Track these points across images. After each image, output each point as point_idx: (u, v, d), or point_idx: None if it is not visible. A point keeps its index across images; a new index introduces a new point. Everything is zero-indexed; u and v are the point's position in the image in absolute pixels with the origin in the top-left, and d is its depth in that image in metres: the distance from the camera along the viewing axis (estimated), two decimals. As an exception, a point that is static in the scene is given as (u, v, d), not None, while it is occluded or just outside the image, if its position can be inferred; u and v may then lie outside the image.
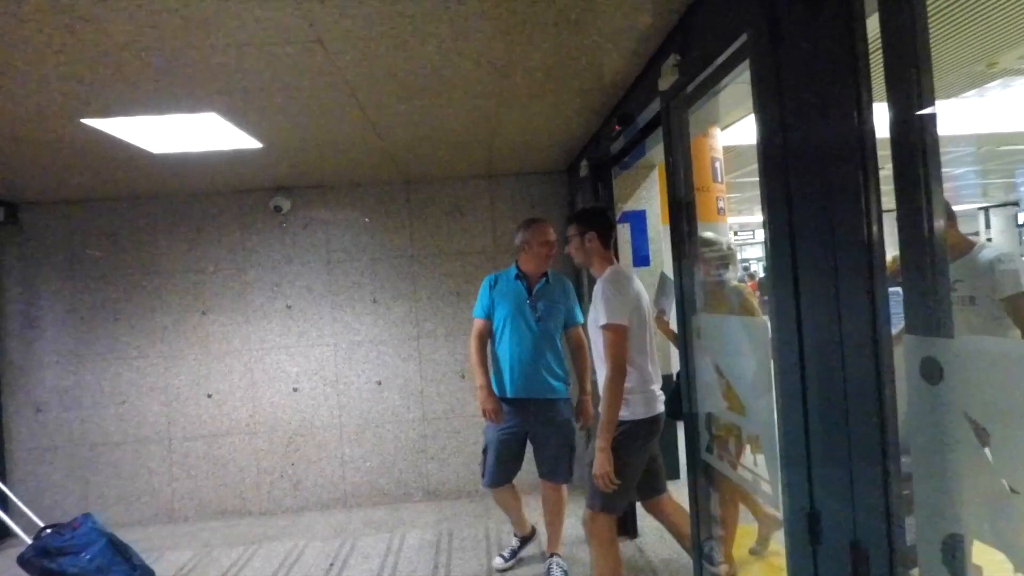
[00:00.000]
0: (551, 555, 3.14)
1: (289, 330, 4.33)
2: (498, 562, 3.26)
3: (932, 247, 1.12)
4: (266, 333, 4.32)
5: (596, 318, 2.44)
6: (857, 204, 1.22)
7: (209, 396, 4.28)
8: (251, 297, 4.32)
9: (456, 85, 2.49)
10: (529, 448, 3.17)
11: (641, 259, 4.39)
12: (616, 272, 2.51)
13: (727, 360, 1.90)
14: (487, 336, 3.19)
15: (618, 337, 2.35)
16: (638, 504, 3.59)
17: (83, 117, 2.57)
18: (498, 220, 4.43)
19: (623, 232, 4.36)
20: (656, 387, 2.51)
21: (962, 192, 13.31)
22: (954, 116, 4.70)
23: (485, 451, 3.14)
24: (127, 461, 4.24)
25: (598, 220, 2.60)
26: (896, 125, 1.11)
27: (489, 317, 3.17)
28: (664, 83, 2.16)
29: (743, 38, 1.66)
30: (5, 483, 4.08)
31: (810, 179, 1.36)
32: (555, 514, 3.15)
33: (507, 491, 3.21)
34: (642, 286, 2.56)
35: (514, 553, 3.30)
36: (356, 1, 1.72)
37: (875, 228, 1.21)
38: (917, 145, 1.10)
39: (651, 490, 2.65)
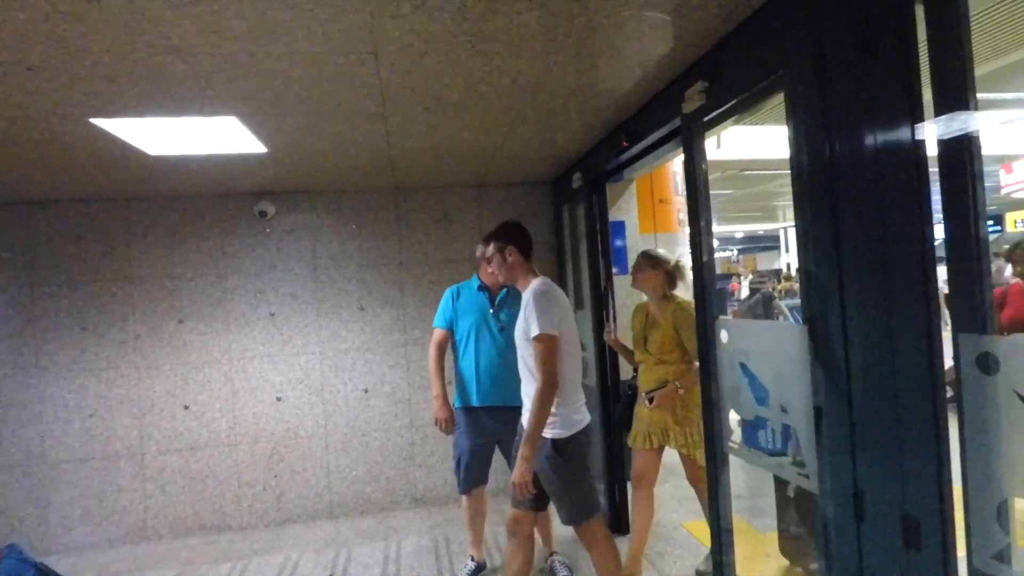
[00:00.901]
0: (551, 554, 3.24)
1: (273, 338, 4.22)
2: None
3: (978, 253, 1.31)
4: (248, 341, 4.20)
5: (525, 330, 2.38)
6: (912, 214, 1.40)
7: (186, 408, 4.11)
8: (232, 304, 4.19)
9: (485, 100, 2.58)
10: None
11: (621, 267, 4.59)
12: (546, 283, 2.47)
13: (757, 361, 2.09)
14: (446, 346, 3.25)
15: (551, 348, 2.30)
16: (629, 499, 3.76)
17: (94, 116, 2.47)
18: (486, 229, 4.43)
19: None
20: (583, 400, 2.52)
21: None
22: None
23: (458, 462, 3.18)
24: (94, 478, 3.99)
25: (515, 233, 2.55)
26: (944, 144, 1.31)
27: (450, 328, 3.24)
28: (688, 107, 2.34)
29: (779, 73, 1.86)
30: (-47, 507, 3.76)
31: (861, 195, 1.55)
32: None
33: (480, 501, 3.26)
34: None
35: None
36: (428, 18, 1.80)
37: (928, 234, 1.39)
38: (964, 161, 1.29)
39: (537, 503, 2.52)
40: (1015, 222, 14.09)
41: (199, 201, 4.16)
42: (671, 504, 4.15)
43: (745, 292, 12.15)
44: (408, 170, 3.86)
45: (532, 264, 2.57)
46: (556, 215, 4.56)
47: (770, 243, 19.34)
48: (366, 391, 4.32)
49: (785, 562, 3.07)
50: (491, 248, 2.58)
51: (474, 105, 2.64)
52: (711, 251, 2.48)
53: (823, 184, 1.68)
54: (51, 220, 3.99)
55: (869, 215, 1.53)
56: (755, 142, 6.91)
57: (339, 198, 4.33)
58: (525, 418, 2.44)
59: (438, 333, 3.25)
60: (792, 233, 17.03)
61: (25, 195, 3.83)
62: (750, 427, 2.19)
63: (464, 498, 3.26)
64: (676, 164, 4.63)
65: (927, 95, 1.37)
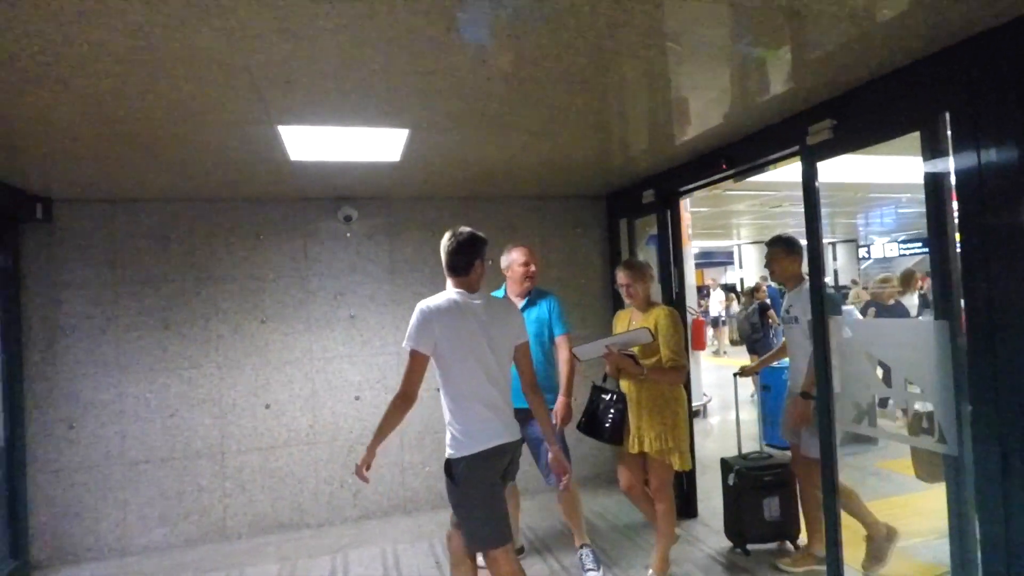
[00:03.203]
0: (580, 546, 3.39)
1: (352, 339, 4.36)
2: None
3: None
4: (328, 342, 4.31)
5: None
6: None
7: (267, 407, 4.17)
8: (314, 306, 4.30)
9: (634, 125, 2.93)
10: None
11: (662, 278, 5.01)
12: (434, 297, 2.47)
13: (886, 351, 2.53)
14: None
15: (410, 361, 2.36)
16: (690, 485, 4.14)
17: (282, 124, 2.63)
18: (547, 238, 4.84)
19: (649, 254, 4.96)
20: (486, 421, 2.40)
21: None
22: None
23: None
24: (173, 478, 3.98)
25: (444, 250, 2.62)
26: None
27: None
28: (813, 139, 2.78)
29: (921, 115, 2.31)
30: (27, 510, 3.69)
31: (1011, 215, 2.00)
32: (571, 509, 3.37)
33: (511, 493, 3.38)
34: (489, 311, 2.50)
35: None
36: (662, 55, 2.13)
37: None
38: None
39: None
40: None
41: (280, 204, 4.26)
42: (713, 494, 4.56)
43: (716, 306, 13.00)
44: (498, 181, 4.13)
45: (456, 279, 2.57)
46: (611, 227, 4.94)
47: (722, 259, 20.61)
48: (438, 390, 4.50)
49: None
50: None
51: (619, 127, 2.98)
52: (824, 260, 2.93)
53: (975, 207, 2.13)
54: (134, 219, 3.99)
55: (1018, 227, 1.98)
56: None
57: (415, 205, 4.53)
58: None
59: None
60: (746, 250, 18.23)
61: (108, 193, 3.82)
62: (874, 409, 2.62)
63: None
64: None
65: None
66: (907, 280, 3.73)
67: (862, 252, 17.98)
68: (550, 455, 2.65)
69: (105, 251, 3.94)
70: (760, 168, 3.40)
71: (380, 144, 3.06)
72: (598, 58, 2.09)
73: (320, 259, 4.33)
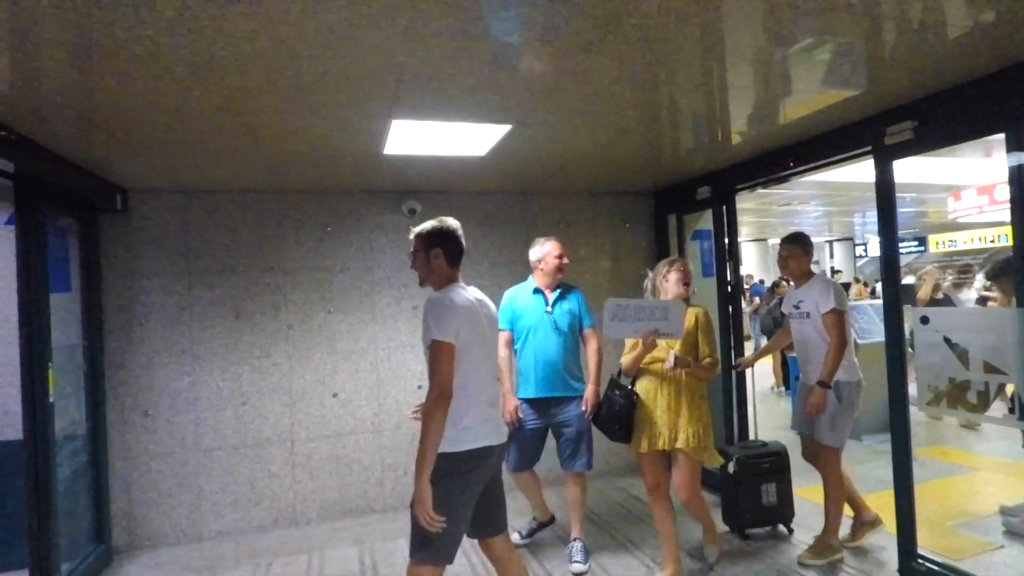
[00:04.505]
0: (574, 539, 3.45)
1: (414, 329, 4.46)
2: (515, 537, 3.54)
3: None
4: (393, 332, 4.42)
5: (424, 336, 2.25)
6: None
7: (335, 395, 4.27)
8: (378, 297, 4.40)
9: (704, 123, 3.09)
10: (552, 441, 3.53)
11: (709, 271, 5.18)
12: (450, 290, 2.34)
13: (964, 336, 2.72)
14: (511, 345, 3.52)
15: (442, 355, 2.13)
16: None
17: (397, 118, 2.74)
18: (599, 232, 4.98)
19: (695, 247, 5.12)
20: (485, 419, 2.29)
21: (812, 226, 16.23)
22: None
23: (510, 439, 3.37)
24: (245, 465, 4.07)
25: (446, 239, 2.42)
26: None
27: (512, 328, 3.52)
28: (892, 140, 2.96)
29: (1009, 118, 2.49)
30: (108, 495, 3.75)
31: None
32: (575, 501, 3.47)
33: (527, 476, 3.62)
34: (484, 308, 2.43)
35: (531, 532, 3.68)
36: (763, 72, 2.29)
37: None
38: None
39: (486, 528, 2.39)
40: (936, 243, 16.20)
41: (346, 197, 4.35)
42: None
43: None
44: (557, 176, 4.27)
45: (455, 271, 2.44)
46: (659, 222, 5.10)
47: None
48: (496, 380, 4.63)
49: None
50: (416, 244, 2.45)
51: (681, 124, 3.13)
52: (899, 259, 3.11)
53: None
54: (207, 210, 4.06)
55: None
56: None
57: (474, 199, 4.65)
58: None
59: (503, 335, 3.43)
60: (745, 247, 18.52)
61: (183, 184, 3.89)
62: (955, 392, 2.80)
63: (513, 475, 3.53)
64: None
65: None
66: (966, 273, 3.78)
67: (858, 250, 18.39)
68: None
69: (179, 241, 4.00)
70: (825, 167, 3.57)
71: (472, 139, 3.17)
72: (706, 61, 2.24)
73: (384, 251, 4.43)
